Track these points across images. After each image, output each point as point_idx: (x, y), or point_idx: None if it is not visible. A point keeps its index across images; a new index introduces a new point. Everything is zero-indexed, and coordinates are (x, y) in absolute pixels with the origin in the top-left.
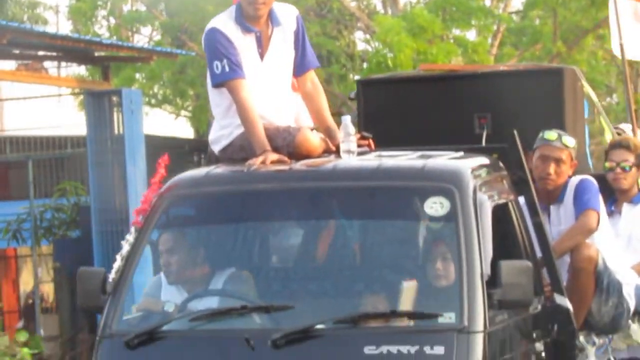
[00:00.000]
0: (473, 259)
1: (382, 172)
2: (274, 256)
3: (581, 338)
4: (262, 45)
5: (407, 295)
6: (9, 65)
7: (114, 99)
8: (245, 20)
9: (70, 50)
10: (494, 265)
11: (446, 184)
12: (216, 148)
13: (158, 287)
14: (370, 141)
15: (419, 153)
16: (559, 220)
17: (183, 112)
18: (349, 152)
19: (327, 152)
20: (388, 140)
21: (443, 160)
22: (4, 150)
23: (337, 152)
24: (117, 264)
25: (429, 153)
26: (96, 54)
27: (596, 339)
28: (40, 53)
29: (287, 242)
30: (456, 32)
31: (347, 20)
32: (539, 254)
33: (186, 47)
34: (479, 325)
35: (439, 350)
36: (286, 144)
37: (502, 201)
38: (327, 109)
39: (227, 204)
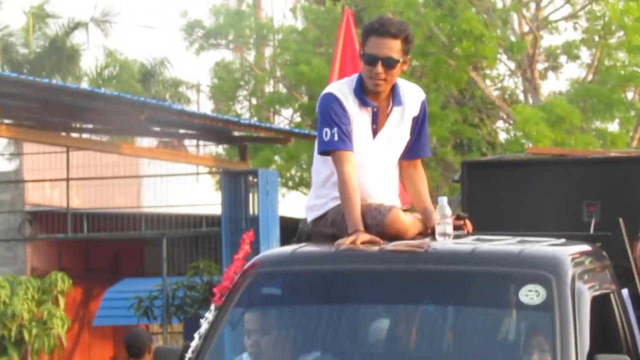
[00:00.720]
0: (569, 353)
1: (476, 257)
2: (361, 341)
3: None
4: (377, 122)
5: None
6: (148, 142)
7: (251, 179)
8: (363, 93)
9: (209, 129)
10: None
11: (543, 272)
12: (309, 217)
13: None
14: (467, 222)
15: (518, 238)
16: None
17: None
18: (444, 234)
19: (422, 234)
20: (491, 225)
21: (541, 246)
22: (140, 227)
23: (433, 234)
24: (195, 342)
25: (529, 239)
26: (235, 133)
27: None
28: (180, 131)
29: (375, 327)
30: (596, 123)
31: (488, 109)
32: None
33: None
34: None
35: None
36: (375, 222)
37: (603, 292)
38: (427, 192)
39: (313, 285)
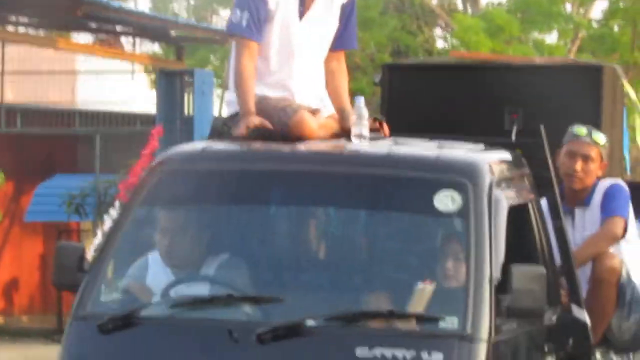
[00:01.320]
0: (482, 261)
1: (391, 160)
2: (269, 243)
3: (598, 355)
4: (304, 4)
5: (414, 296)
6: (85, 38)
7: (187, 79)
8: None
9: (146, 27)
10: (506, 269)
11: (459, 177)
12: (226, 113)
13: (144, 269)
14: (385, 125)
15: (436, 143)
16: (584, 225)
17: None
18: (360, 136)
19: (337, 135)
20: (411, 129)
21: (459, 151)
22: (74, 124)
23: (349, 136)
24: (98, 240)
25: (447, 143)
26: (172, 33)
27: (615, 357)
28: (117, 28)
29: (284, 229)
30: (535, 34)
31: (427, 17)
32: (558, 261)
33: None
34: (484, 333)
35: (437, 357)
36: (281, 124)
37: (521, 201)
38: (346, 91)
39: (223, 184)
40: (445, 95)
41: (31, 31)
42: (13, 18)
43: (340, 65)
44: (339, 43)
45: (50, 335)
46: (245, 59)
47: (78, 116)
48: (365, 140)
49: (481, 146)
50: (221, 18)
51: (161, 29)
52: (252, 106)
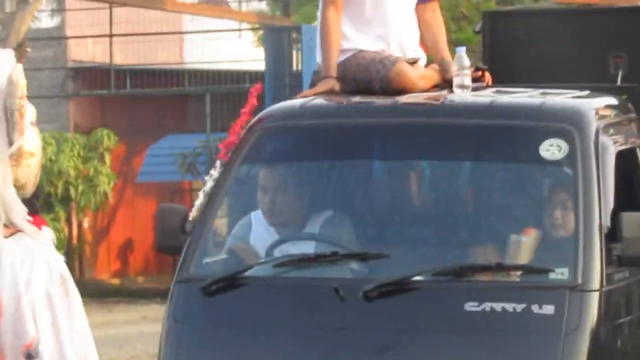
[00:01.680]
0: (591, 210)
1: (494, 110)
2: (372, 199)
3: None
4: None
5: (522, 247)
6: None
7: (294, 35)
8: None
9: None
10: (615, 217)
11: (565, 125)
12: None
13: (247, 228)
14: (487, 74)
15: (540, 90)
16: None
17: None
18: (462, 86)
19: (438, 86)
20: (514, 78)
21: (564, 99)
22: (183, 83)
23: (450, 87)
24: (199, 201)
25: (551, 91)
26: None
27: None
28: None
29: (387, 184)
30: None
31: None
32: None
33: None
34: (595, 283)
35: (549, 309)
36: (379, 77)
37: (628, 146)
38: (445, 41)
39: (325, 140)
40: (548, 41)
41: None
42: None
43: (435, 16)
44: None
45: (166, 295)
46: (329, 11)
47: (187, 76)
48: (468, 90)
49: (586, 92)
50: None
51: None
52: (331, 67)
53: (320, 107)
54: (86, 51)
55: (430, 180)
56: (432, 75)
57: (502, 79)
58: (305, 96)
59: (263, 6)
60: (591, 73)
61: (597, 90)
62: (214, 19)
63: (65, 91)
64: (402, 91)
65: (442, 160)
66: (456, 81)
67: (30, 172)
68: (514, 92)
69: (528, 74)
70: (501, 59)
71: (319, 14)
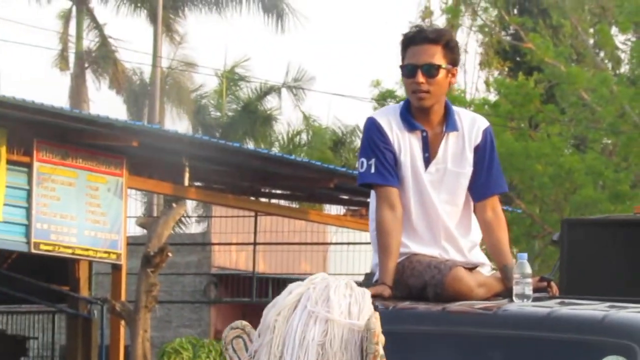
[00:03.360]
0: None
1: (551, 321)
2: None
3: None
4: (429, 150)
5: None
6: (336, 210)
7: None
8: (411, 116)
9: None
10: None
11: (627, 341)
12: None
13: None
14: (553, 284)
15: (609, 303)
16: None
17: None
18: (522, 296)
19: (500, 295)
20: (594, 290)
21: (630, 312)
22: None
23: (511, 296)
24: None
25: (621, 304)
26: None
27: None
28: (368, 200)
29: None
30: None
31: None
32: None
33: (513, 204)
34: None
35: None
36: (434, 282)
37: None
38: (507, 244)
39: None
40: (631, 252)
41: (283, 203)
42: (266, 190)
43: (497, 215)
44: (486, 190)
45: None
46: (384, 210)
47: None
48: (529, 300)
49: None
50: None
51: None
52: (387, 273)
53: None
54: (230, 258)
55: None
56: (493, 283)
57: (580, 292)
58: None
59: None
60: None
61: None
62: (358, 232)
63: (208, 297)
64: (458, 299)
65: None
66: (516, 290)
67: None
68: (579, 304)
69: (610, 288)
70: (579, 270)
71: (371, 209)
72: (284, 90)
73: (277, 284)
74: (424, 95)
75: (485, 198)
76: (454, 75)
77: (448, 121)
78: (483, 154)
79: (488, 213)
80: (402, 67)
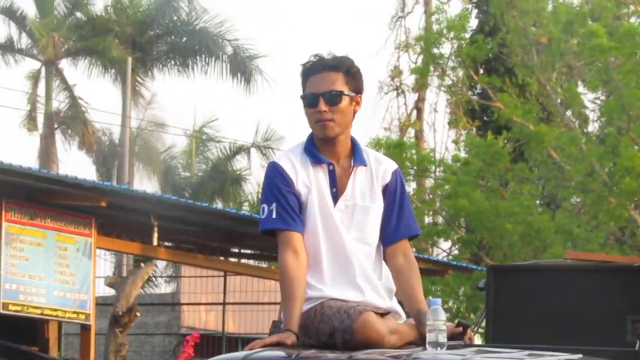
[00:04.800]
0: None
1: None
2: None
3: None
4: (336, 184)
5: None
6: None
7: None
8: (316, 149)
9: None
10: None
11: None
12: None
13: None
14: (469, 332)
15: (527, 352)
16: None
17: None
18: (436, 344)
19: (413, 343)
20: (518, 338)
21: None
22: None
23: (424, 343)
24: None
25: (540, 353)
26: None
27: None
28: None
29: None
30: None
31: None
32: None
33: (483, 264)
34: None
35: None
36: (342, 328)
37: None
38: (420, 289)
39: None
40: (558, 300)
41: (252, 262)
42: (235, 250)
43: (408, 260)
44: (397, 233)
45: None
46: (287, 255)
47: None
48: (442, 349)
49: (579, 356)
50: (440, 250)
51: None
52: (291, 320)
53: None
54: (199, 318)
55: None
56: (406, 330)
57: (505, 340)
58: (253, 348)
59: None
60: (607, 337)
61: (592, 354)
62: None
63: (177, 357)
64: (367, 346)
65: None
66: (429, 337)
67: None
68: (493, 353)
69: (534, 335)
70: (505, 319)
71: (278, 253)
72: (253, 150)
73: (247, 343)
74: (327, 123)
75: (396, 241)
76: (358, 103)
77: (356, 155)
78: (393, 195)
79: (399, 258)
80: (302, 97)
